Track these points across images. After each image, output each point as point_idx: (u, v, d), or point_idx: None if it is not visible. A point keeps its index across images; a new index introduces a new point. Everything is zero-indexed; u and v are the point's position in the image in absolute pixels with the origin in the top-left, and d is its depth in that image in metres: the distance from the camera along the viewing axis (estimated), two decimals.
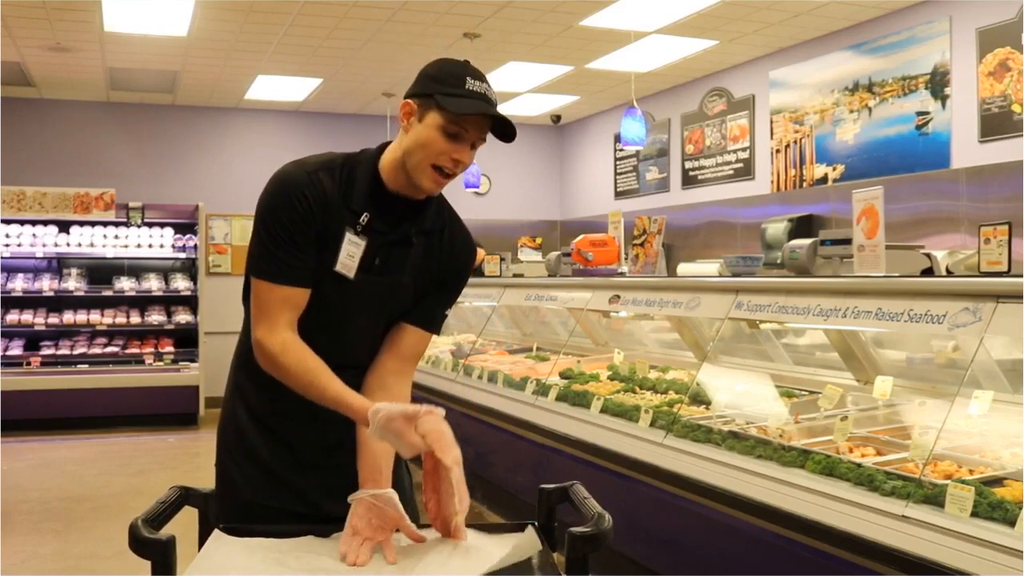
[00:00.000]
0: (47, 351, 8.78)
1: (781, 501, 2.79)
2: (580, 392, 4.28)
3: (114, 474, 6.91)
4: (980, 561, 2.18)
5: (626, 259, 5.27)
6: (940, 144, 6.31)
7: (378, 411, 1.68)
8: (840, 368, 3.68)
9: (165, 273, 9.49)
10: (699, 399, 3.79)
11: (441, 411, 1.69)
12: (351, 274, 1.89)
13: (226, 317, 9.50)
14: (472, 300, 6.37)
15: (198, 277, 9.26)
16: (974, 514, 2.30)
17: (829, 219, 6.98)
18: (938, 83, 6.33)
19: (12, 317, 8.74)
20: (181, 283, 9.30)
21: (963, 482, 2.39)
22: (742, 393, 3.80)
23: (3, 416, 8.18)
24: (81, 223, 9.08)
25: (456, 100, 1.78)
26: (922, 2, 6.46)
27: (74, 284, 9.00)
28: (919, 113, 6.47)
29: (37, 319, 8.82)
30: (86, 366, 8.76)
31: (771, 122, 7.88)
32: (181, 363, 8.99)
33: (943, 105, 6.29)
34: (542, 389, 4.57)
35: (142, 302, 9.30)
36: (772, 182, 7.86)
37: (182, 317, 9.23)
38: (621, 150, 9.99)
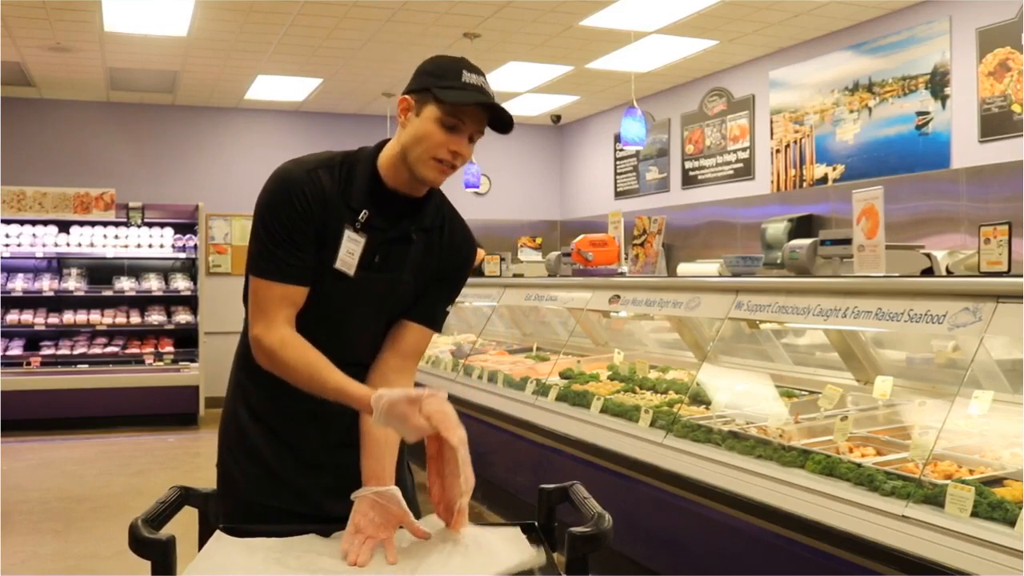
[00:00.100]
0: (47, 351, 8.78)
1: (781, 501, 2.79)
2: (580, 392, 4.28)
3: (114, 474, 6.91)
4: (980, 561, 2.18)
5: (626, 259, 5.27)
6: (940, 144, 6.31)
7: (381, 397, 1.68)
8: (840, 368, 3.68)
9: (165, 273, 9.49)
10: (699, 399, 3.79)
11: (444, 392, 1.69)
12: (351, 271, 1.89)
13: (226, 317, 9.52)
14: (472, 300, 6.37)
15: (198, 277, 9.26)
16: (974, 514, 2.30)
17: (829, 219, 6.98)
18: (938, 83, 6.33)
19: (12, 317, 8.74)
20: (181, 283, 9.30)
21: (963, 482, 2.39)
22: (742, 393, 3.80)
23: (3, 416, 8.18)
24: (81, 223, 9.08)
25: (453, 92, 1.79)
26: (922, 2, 6.46)
27: (74, 284, 9.00)
28: (919, 113, 6.47)
29: (37, 319, 8.82)
30: (86, 366, 8.76)
31: (771, 122, 7.88)
32: (181, 363, 8.99)
33: (943, 105, 6.29)
34: (542, 389, 4.57)
35: (142, 302, 9.30)
36: (772, 182, 7.86)
37: (182, 317, 9.23)
38: (621, 150, 9.99)
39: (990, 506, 2.29)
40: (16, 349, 8.78)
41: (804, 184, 7.51)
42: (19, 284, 8.84)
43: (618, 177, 10.22)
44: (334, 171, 1.90)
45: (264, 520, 1.92)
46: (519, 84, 9.06)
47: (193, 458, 7.63)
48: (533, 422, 4.40)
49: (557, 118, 11.01)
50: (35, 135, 9.62)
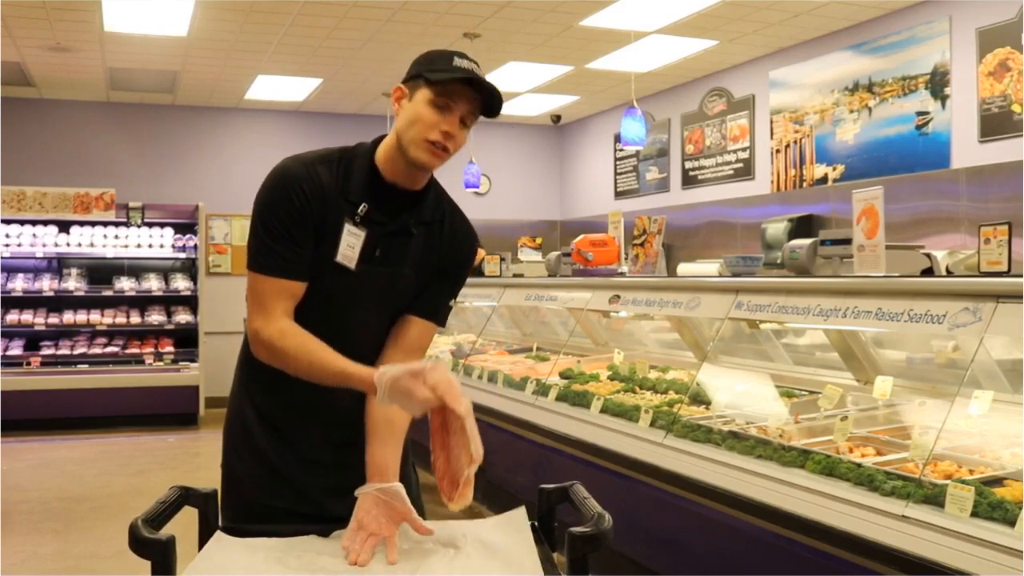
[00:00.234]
0: (47, 351, 8.78)
1: (781, 501, 2.79)
2: (580, 392, 4.28)
3: (114, 474, 6.90)
4: (980, 561, 2.18)
5: (626, 259, 5.27)
6: (940, 144, 6.31)
7: (384, 374, 1.67)
8: (840, 368, 3.68)
9: (165, 273, 9.49)
10: (699, 399, 3.79)
11: (446, 362, 1.69)
12: (352, 265, 1.89)
13: (226, 317, 9.52)
14: (472, 300, 6.37)
15: (198, 277, 9.25)
16: (974, 514, 2.30)
17: (829, 219, 6.98)
18: (938, 83, 6.33)
19: (12, 317, 8.73)
20: (181, 283, 9.29)
21: (963, 482, 2.39)
22: (742, 393, 3.80)
23: (3, 416, 8.17)
24: (81, 223, 9.08)
25: (443, 74, 1.83)
26: (922, 2, 6.46)
27: (74, 284, 9.00)
28: (919, 113, 6.47)
29: (37, 319, 8.82)
30: (86, 366, 8.76)
31: (771, 122, 7.88)
32: (181, 363, 8.98)
33: (943, 105, 6.29)
34: (542, 389, 4.57)
35: (142, 302, 9.30)
36: (772, 182, 7.86)
37: (182, 317, 9.22)
38: (621, 150, 9.99)
39: (990, 506, 2.29)
40: (16, 349, 8.78)
41: (804, 184, 7.51)
42: (19, 284, 8.84)
43: (618, 177, 10.22)
44: (332, 166, 1.92)
45: (267, 520, 1.92)
46: (519, 84, 9.06)
47: (193, 458, 7.63)
48: (533, 422, 4.40)
49: (557, 118, 11.01)
50: (35, 135, 9.62)
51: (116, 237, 9.16)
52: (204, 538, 1.75)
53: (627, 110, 7.11)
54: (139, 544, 1.49)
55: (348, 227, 1.88)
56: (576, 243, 5.29)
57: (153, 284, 9.22)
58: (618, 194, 10.19)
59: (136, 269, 9.44)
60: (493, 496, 4.80)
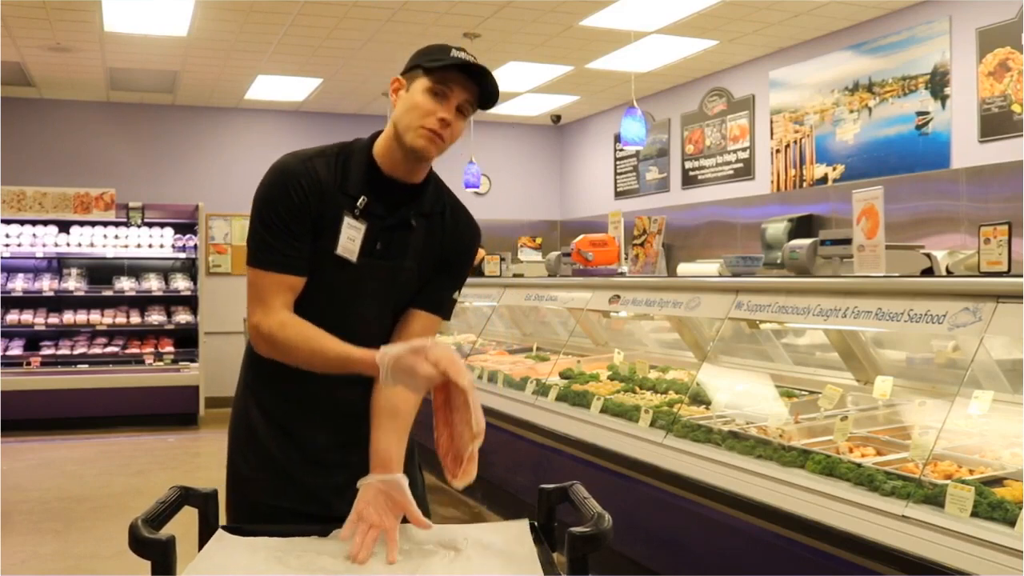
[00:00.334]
0: (47, 351, 8.78)
1: (781, 501, 2.79)
2: (580, 392, 4.28)
3: (114, 474, 6.91)
4: (980, 561, 2.18)
5: (626, 259, 5.27)
6: (940, 144, 6.31)
7: (386, 353, 1.68)
8: (840, 368, 3.68)
9: (165, 273, 9.49)
10: (699, 399, 3.79)
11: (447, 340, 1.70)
12: (353, 258, 1.90)
13: (226, 317, 9.52)
14: (472, 300, 6.37)
15: (198, 277, 9.25)
16: (974, 514, 2.30)
17: (829, 219, 6.98)
18: (938, 83, 6.33)
19: (12, 317, 8.74)
20: (181, 283, 9.29)
21: (963, 482, 2.39)
22: (742, 393, 3.80)
23: (3, 416, 8.17)
24: (81, 223, 9.08)
25: (440, 63, 1.85)
26: (922, 2, 6.46)
27: (74, 284, 9.00)
28: (919, 113, 6.47)
29: (37, 319, 8.82)
30: (86, 366, 8.76)
31: (771, 122, 7.88)
32: (181, 363, 8.98)
33: (943, 105, 6.29)
34: (542, 389, 4.57)
35: (142, 302, 9.30)
36: (772, 182, 7.86)
37: (182, 317, 9.22)
38: (621, 150, 9.99)
39: (990, 506, 2.29)
40: (16, 349, 8.78)
41: (804, 184, 7.51)
42: (19, 284, 8.84)
43: (618, 177, 10.22)
44: (330, 160, 1.93)
45: (273, 520, 1.92)
46: (519, 84, 9.06)
47: (193, 458, 7.63)
48: (533, 422, 4.40)
49: (557, 118, 11.01)
50: (35, 135, 9.62)
51: (116, 237, 9.16)
52: (204, 538, 1.75)
53: (627, 110, 7.11)
54: (139, 544, 1.49)
55: (348, 220, 1.89)
56: (576, 243, 5.29)
57: (153, 284, 9.22)
58: (618, 194, 10.19)
59: (136, 269, 9.44)
60: (493, 496, 4.80)
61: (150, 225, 9.30)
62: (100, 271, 9.26)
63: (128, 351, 9.03)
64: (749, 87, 8.18)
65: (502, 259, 6.59)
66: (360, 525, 1.71)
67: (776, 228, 6.84)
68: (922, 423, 2.97)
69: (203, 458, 7.58)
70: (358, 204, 1.90)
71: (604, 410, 3.98)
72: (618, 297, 4.47)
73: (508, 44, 7.62)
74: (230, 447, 2.05)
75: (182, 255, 9.34)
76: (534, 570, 1.61)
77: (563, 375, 4.77)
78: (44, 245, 8.93)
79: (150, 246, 9.22)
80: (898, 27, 6.65)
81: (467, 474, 1.68)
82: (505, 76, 8.59)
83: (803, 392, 3.69)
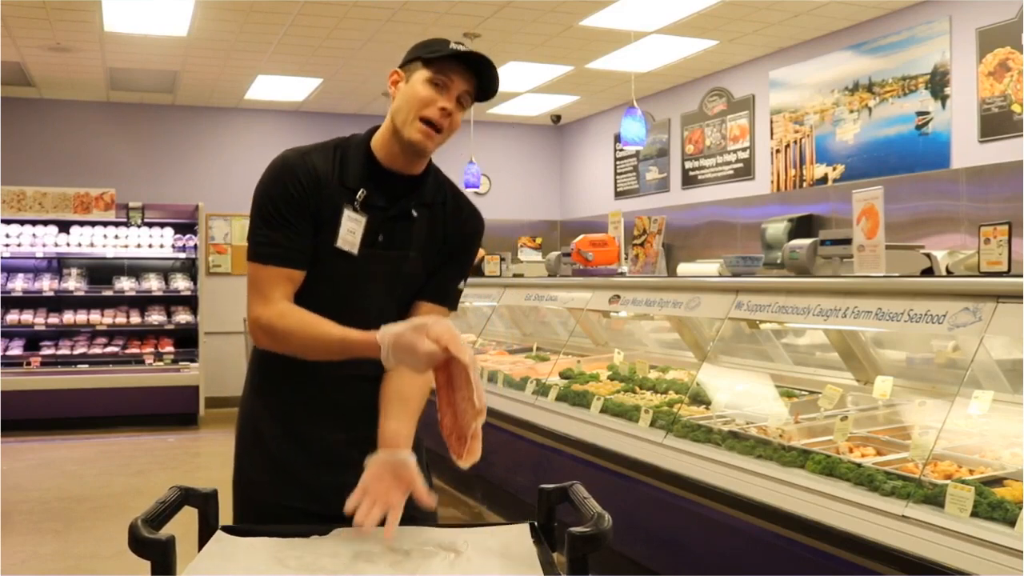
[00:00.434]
0: (47, 351, 8.78)
1: (781, 501, 2.79)
2: (580, 392, 4.28)
3: (114, 474, 6.90)
4: (980, 561, 2.18)
5: (626, 259, 5.27)
6: (940, 144, 6.31)
7: (386, 332, 1.68)
8: (840, 368, 3.68)
9: (165, 273, 9.49)
10: (699, 399, 3.79)
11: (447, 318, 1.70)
12: (354, 250, 1.91)
13: (226, 317, 9.52)
14: (472, 300, 6.37)
15: (198, 277, 9.25)
16: (974, 514, 2.30)
17: (829, 219, 6.98)
18: (938, 83, 6.33)
19: (12, 317, 8.74)
20: (181, 283, 9.29)
21: (963, 482, 2.39)
22: (742, 393, 3.80)
23: (3, 416, 8.17)
24: (81, 223, 9.08)
25: (439, 53, 1.85)
26: (922, 2, 6.46)
27: (74, 284, 9.00)
28: (919, 113, 6.47)
29: (37, 319, 8.82)
30: (86, 366, 8.76)
31: (771, 122, 7.88)
32: (181, 363, 8.98)
33: (943, 105, 6.29)
34: (542, 389, 4.57)
35: (142, 302, 9.30)
36: (772, 182, 7.86)
37: (182, 317, 9.22)
38: (621, 150, 9.99)
39: (990, 506, 2.29)
40: (16, 349, 8.78)
41: (804, 184, 7.50)
42: (19, 284, 8.84)
43: (618, 177, 10.22)
44: (328, 154, 1.94)
45: (279, 520, 1.92)
46: (519, 84, 9.06)
47: (193, 458, 7.63)
48: (533, 422, 4.40)
49: (557, 118, 11.01)
50: (35, 135, 9.62)
51: (116, 237, 9.16)
52: (204, 538, 1.75)
53: (627, 110, 7.11)
54: (139, 544, 1.48)
55: (348, 213, 1.90)
56: (576, 243, 5.30)
57: (153, 284, 9.22)
58: (618, 194, 10.19)
59: (136, 269, 9.44)
60: (493, 496, 4.80)
61: (150, 225, 9.30)
62: (100, 271, 9.26)
63: (128, 351, 9.03)
64: (749, 87, 8.18)
65: (502, 259, 6.59)
66: (366, 498, 1.70)
67: (776, 228, 6.84)
68: (922, 423, 2.97)
69: (203, 458, 7.58)
70: (357, 197, 1.90)
71: (604, 410, 3.98)
72: (618, 297, 4.47)
73: (508, 44, 7.62)
74: (237, 449, 2.05)
75: (182, 255, 9.34)
76: (534, 570, 1.61)
77: (563, 375, 4.77)
78: (44, 245, 8.93)
79: (150, 246, 9.22)
80: (898, 27, 6.65)
81: (472, 453, 1.67)
82: (505, 76, 8.59)
83: (803, 392, 3.69)
